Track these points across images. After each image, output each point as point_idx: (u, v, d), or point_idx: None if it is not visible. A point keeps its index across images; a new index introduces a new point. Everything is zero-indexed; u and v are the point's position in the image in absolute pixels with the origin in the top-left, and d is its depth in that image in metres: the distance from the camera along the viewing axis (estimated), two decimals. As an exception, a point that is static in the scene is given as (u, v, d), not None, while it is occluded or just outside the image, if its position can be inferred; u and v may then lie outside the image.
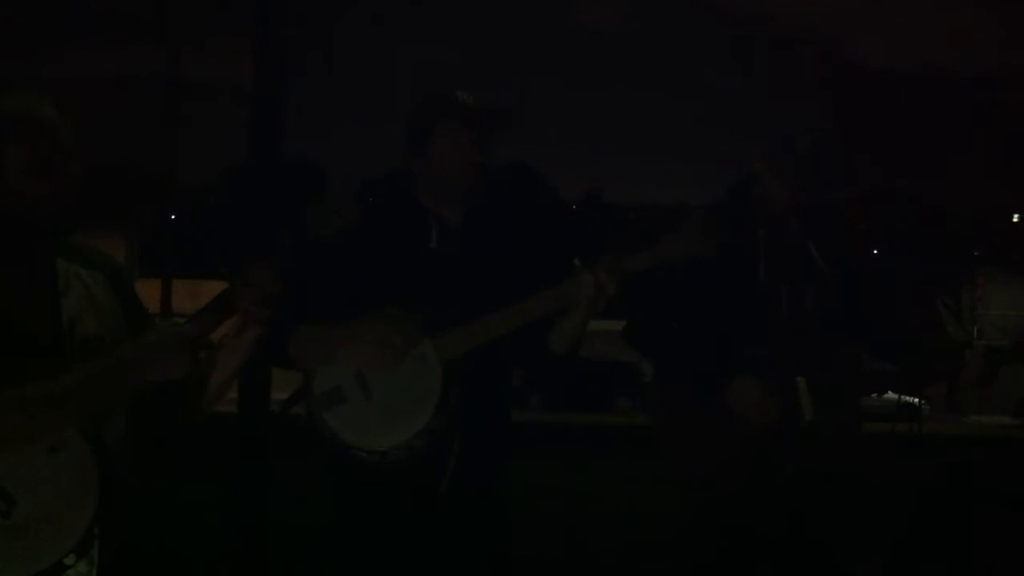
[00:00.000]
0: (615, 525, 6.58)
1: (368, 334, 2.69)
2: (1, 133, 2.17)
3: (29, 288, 2.20)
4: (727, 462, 3.15)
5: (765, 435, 3.11)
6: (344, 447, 2.72)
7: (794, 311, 3.20)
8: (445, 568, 2.86)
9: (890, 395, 3.64)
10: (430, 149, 2.87)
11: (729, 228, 2.92)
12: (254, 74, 4.93)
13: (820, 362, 3.17)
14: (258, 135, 4.96)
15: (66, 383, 2.10)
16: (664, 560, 3.47)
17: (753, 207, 3.23)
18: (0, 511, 2.05)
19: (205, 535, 5.38)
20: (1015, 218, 41.08)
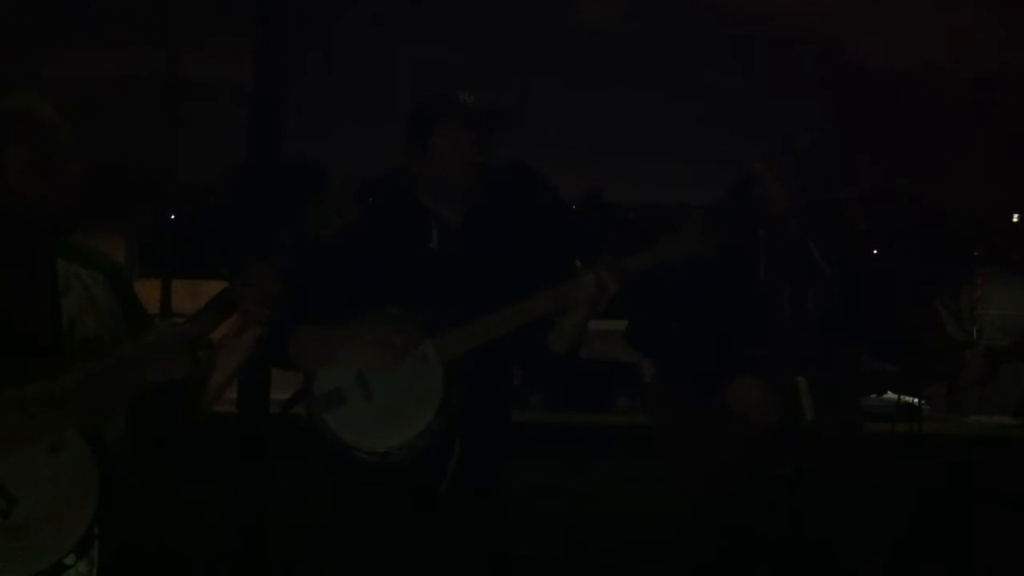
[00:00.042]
0: (615, 525, 6.58)
1: (368, 334, 2.69)
2: (1, 133, 2.17)
3: (29, 288, 2.20)
4: (727, 462, 3.15)
5: (765, 435, 3.11)
6: (345, 448, 2.72)
7: (794, 311, 3.20)
8: (445, 568, 2.86)
9: (890, 395, 3.64)
10: (430, 149, 2.87)
11: (729, 228, 2.92)
12: (254, 74, 4.93)
13: (820, 362, 3.17)
14: (258, 135, 4.97)
15: (66, 383, 2.11)
16: (664, 560, 3.47)
17: (753, 207, 3.23)
18: (0, 511, 2.05)
19: (205, 535, 5.38)
20: (1015, 218, 41.08)
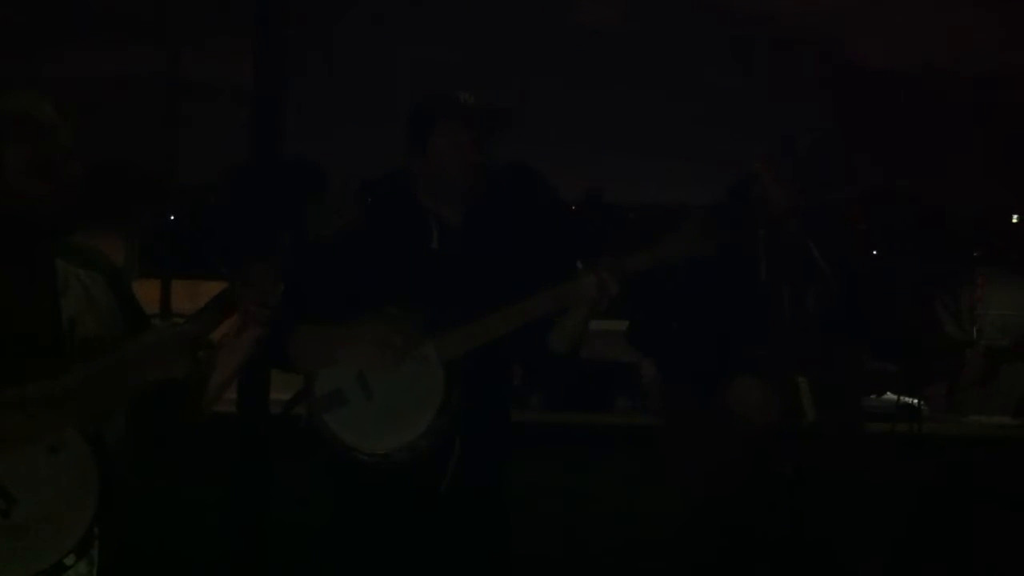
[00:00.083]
0: (615, 525, 6.57)
1: (368, 334, 2.69)
2: (1, 133, 2.17)
3: (29, 288, 2.20)
4: (727, 462, 3.15)
5: (765, 435, 3.11)
6: (345, 449, 2.72)
7: (794, 311, 3.20)
8: (445, 568, 2.86)
9: (890, 395, 3.64)
10: (430, 149, 2.87)
11: (729, 228, 2.93)
12: (254, 74, 4.94)
13: (821, 362, 3.18)
14: (258, 135, 4.97)
15: (66, 383, 2.11)
16: (664, 560, 3.46)
17: (753, 207, 3.23)
18: (0, 510, 2.06)
19: (205, 535, 5.38)
20: (1015, 218, 41.06)
